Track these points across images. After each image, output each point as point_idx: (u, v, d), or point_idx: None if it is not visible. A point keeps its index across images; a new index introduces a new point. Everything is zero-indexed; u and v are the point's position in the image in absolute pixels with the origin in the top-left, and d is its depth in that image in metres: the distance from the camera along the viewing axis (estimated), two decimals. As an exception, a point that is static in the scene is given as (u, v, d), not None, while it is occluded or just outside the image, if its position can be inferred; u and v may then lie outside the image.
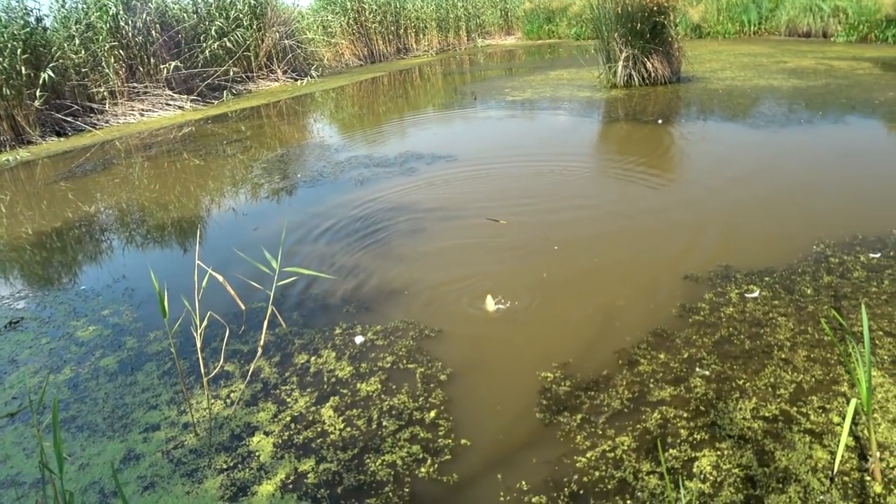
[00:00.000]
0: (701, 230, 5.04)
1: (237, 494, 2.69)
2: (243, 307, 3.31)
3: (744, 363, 3.23)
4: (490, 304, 3.92)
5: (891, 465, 2.46)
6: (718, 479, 2.50)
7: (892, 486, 2.37)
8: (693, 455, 2.64)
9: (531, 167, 7.37)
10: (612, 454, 2.69)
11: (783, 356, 3.25)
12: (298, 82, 19.21)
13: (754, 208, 5.44)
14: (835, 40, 17.97)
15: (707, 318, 3.68)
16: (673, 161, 7.71)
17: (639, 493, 2.47)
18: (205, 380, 3.09)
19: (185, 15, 17.02)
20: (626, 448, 2.72)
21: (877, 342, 3.26)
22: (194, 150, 10.69)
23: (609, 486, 2.52)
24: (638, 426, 2.85)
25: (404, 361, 3.54)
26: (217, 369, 3.55)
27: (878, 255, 4.24)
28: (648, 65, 12.23)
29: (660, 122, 9.32)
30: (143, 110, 14.87)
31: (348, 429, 3.03)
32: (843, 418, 2.73)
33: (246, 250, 4.43)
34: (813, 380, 3.04)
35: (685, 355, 3.35)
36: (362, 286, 4.53)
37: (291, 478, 2.76)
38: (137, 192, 8.37)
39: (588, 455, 2.70)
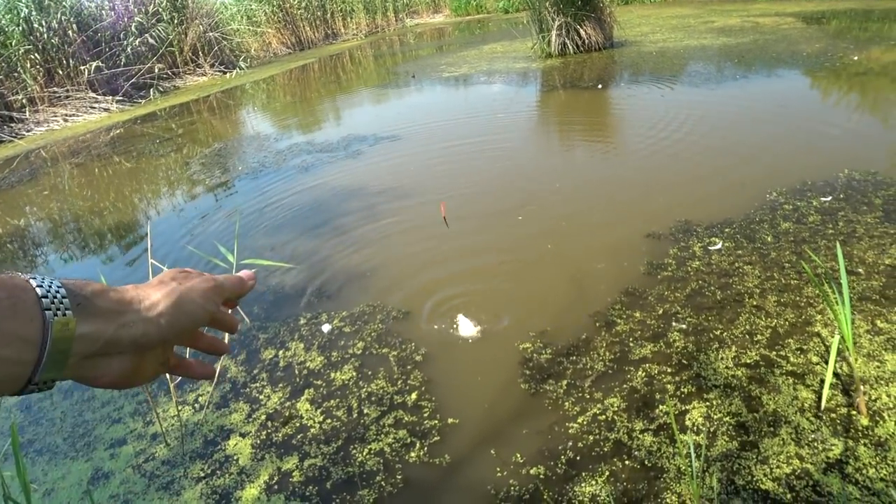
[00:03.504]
0: (655, 189, 5.05)
1: (220, 502, 2.55)
2: None
3: (718, 314, 3.24)
4: (465, 325, 3.46)
5: (873, 397, 2.49)
6: (711, 430, 2.49)
7: (878, 418, 2.39)
8: (683, 408, 2.62)
9: (475, 142, 7.28)
10: (604, 417, 2.66)
11: (755, 303, 3.27)
12: (227, 75, 18.65)
13: (703, 164, 5.49)
14: (756, -5, 18.38)
15: (675, 274, 3.68)
16: (616, 124, 7.74)
17: (636, 453, 2.44)
18: (171, 384, 2.92)
19: (102, 13, 16.27)
20: (616, 409, 2.69)
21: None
22: (125, 152, 10.24)
23: (605, 449, 2.49)
24: (625, 386, 2.82)
25: (376, 346, 3.44)
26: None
27: (828, 199, 4.32)
28: (582, 32, 12.26)
29: (599, 87, 9.36)
30: (66, 115, 14.19)
31: (328, 421, 2.92)
32: (822, 358, 2.76)
33: (197, 247, 4.24)
34: (787, 323, 3.07)
35: (660, 311, 3.34)
36: (322, 274, 4.38)
37: (276, 478, 2.63)
38: (69, 200, 7.96)
39: (579, 420, 2.66)
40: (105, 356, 0.48)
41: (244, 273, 0.66)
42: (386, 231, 4.97)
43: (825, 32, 11.56)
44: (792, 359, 2.80)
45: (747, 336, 3.02)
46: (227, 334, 3.12)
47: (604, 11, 12.53)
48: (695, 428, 2.51)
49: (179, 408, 3.16)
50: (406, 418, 2.84)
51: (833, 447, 2.30)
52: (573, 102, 8.79)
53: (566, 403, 2.77)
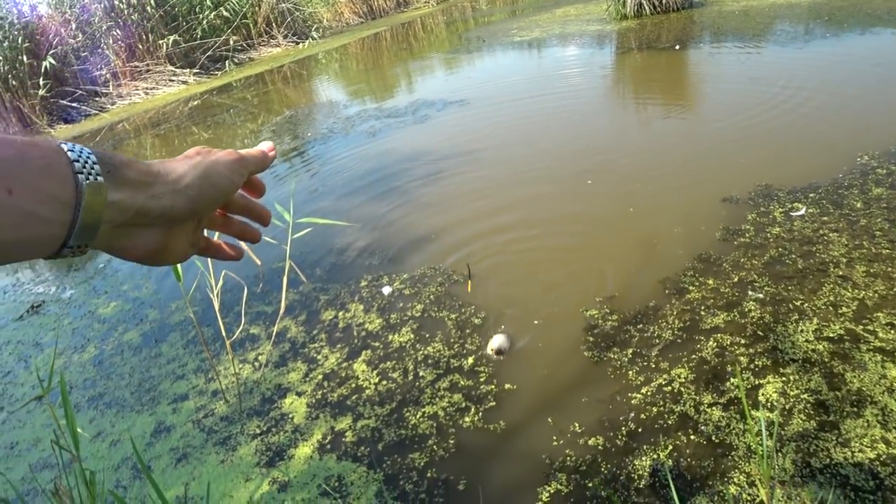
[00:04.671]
0: (734, 152, 4.75)
1: (274, 459, 2.56)
2: (259, 262, 3.13)
3: (799, 283, 3.01)
4: (497, 343, 2.98)
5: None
6: (787, 407, 2.31)
7: (979, 399, 2.17)
8: (756, 383, 2.45)
9: (546, 106, 7.06)
10: (669, 388, 2.51)
11: (840, 273, 3.02)
12: (300, 45, 18.81)
13: (788, 125, 5.13)
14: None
15: (753, 240, 3.45)
16: (694, 85, 7.35)
17: (703, 427, 2.30)
18: (227, 343, 2.94)
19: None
20: (683, 380, 2.54)
21: (942, 249, 3.02)
22: (202, 122, 10.49)
23: (669, 422, 2.35)
24: (693, 356, 2.66)
25: (435, 309, 3.37)
26: (240, 332, 3.42)
27: (929, 162, 3.96)
28: (660, -9, 11.70)
29: (677, 47, 8.92)
30: (147, 89, 14.66)
31: (384, 382, 2.88)
32: (916, 331, 2.52)
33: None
34: (876, 296, 2.82)
35: (735, 279, 3.13)
36: (384, 237, 4.34)
37: (329, 437, 2.62)
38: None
39: (643, 391, 2.52)
40: (136, 227, 0.49)
41: (264, 145, 0.63)
42: (451, 195, 4.88)
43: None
44: (881, 334, 2.57)
45: (831, 308, 2.79)
46: (284, 292, 3.12)
47: (684, -32, 11.90)
48: (768, 404, 2.34)
49: (239, 366, 3.20)
50: (462, 382, 2.78)
51: None
52: (649, 64, 8.42)
53: (630, 373, 2.64)
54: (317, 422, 2.72)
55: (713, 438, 2.24)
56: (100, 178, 0.44)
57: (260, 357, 3.26)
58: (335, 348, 3.22)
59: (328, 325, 3.44)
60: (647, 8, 11.86)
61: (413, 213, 4.66)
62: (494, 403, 2.63)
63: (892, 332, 2.56)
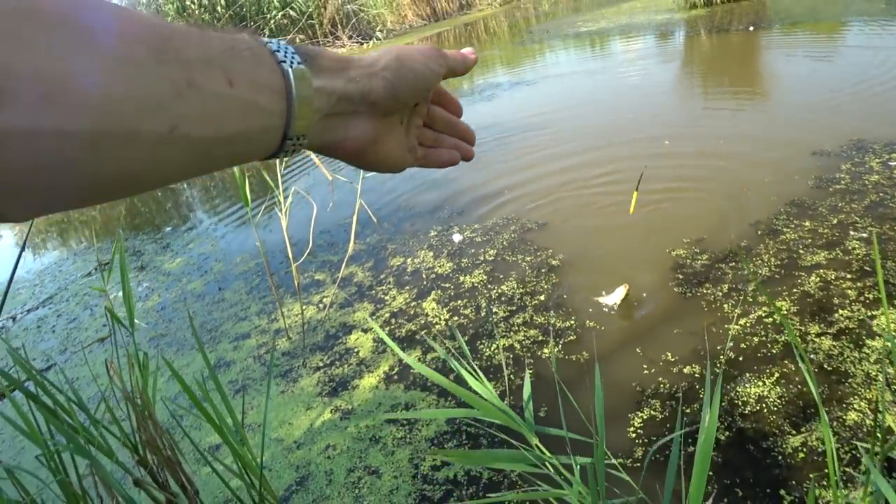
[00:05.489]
0: (819, 110, 4.46)
1: (337, 389, 2.44)
2: (331, 178, 3.02)
3: (907, 223, 2.74)
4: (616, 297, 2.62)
5: None
6: (910, 333, 2.06)
7: None
8: (869, 314, 2.20)
9: (617, 82, 6.83)
10: (770, 319, 2.29)
11: (953, 212, 2.74)
12: (364, 45, 18.96)
13: (876, 82, 4.79)
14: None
15: (850, 186, 3.17)
16: (772, 62, 7.01)
17: (812, 356, 2.06)
18: (295, 276, 2.82)
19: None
20: (785, 312, 2.31)
21: None
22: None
23: (773, 351, 2.13)
24: (795, 290, 2.42)
25: (509, 252, 3.21)
26: (306, 278, 3.32)
27: None
28: (730, -22, 11.30)
29: (751, 28, 8.56)
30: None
31: (455, 318, 2.73)
32: None
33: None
34: None
35: (834, 221, 2.87)
36: (455, 194, 4.20)
37: (396, 369, 2.48)
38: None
39: (742, 322, 2.31)
40: (342, 116, 0.48)
41: (466, 49, 0.60)
42: (527, 155, 4.71)
43: None
44: None
45: (949, 243, 2.52)
46: (353, 225, 3.02)
47: (756, -45, 11.47)
48: (885, 334, 2.08)
49: (304, 307, 3.09)
50: (538, 319, 2.60)
51: None
52: (722, 43, 8.09)
53: (725, 306, 2.42)
54: (383, 355, 2.59)
55: (825, 366, 2.01)
56: (301, 66, 0.43)
57: (325, 300, 3.15)
58: (403, 290, 3.09)
59: (396, 269, 3.31)
60: (716, -5, 11.47)
61: (483, 173, 4.51)
62: (574, 337, 2.45)
63: None
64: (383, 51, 0.51)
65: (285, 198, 2.62)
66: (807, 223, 2.90)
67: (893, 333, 2.05)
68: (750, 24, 8.88)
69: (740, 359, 2.13)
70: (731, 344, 2.21)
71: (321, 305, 3.10)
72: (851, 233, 2.75)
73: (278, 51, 0.43)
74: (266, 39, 0.44)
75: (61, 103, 0.28)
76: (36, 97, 0.27)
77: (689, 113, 5.14)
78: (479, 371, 1.24)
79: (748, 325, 2.29)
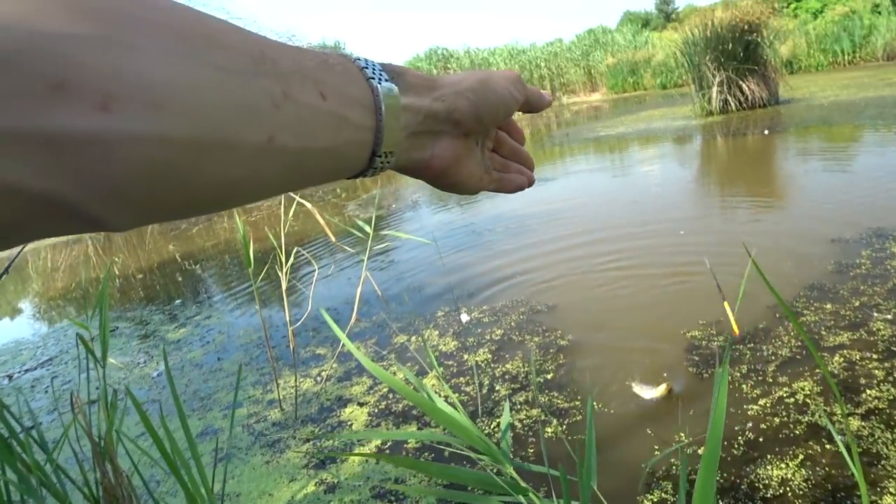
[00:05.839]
0: (840, 205, 4.41)
1: (324, 461, 2.28)
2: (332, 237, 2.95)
3: (936, 306, 2.61)
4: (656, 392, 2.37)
5: None
6: (946, 414, 1.90)
7: None
8: (899, 394, 2.05)
9: (634, 181, 6.89)
10: (792, 399, 2.13)
11: (984, 296, 2.62)
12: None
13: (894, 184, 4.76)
14: (943, 58, 16.80)
15: (871, 271, 3.07)
16: (789, 160, 7.05)
17: (839, 437, 1.89)
18: (291, 343, 2.72)
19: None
20: (808, 392, 2.16)
21: None
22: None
23: (797, 432, 1.96)
24: (818, 371, 2.28)
25: (517, 332, 3.09)
26: (306, 351, 3.21)
27: None
28: (744, 87, 11.59)
29: (766, 132, 8.69)
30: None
31: (456, 394, 2.59)
32: None
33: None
34: None
35: (856, 304, 2.75)
36: (466, 277, 4.14)
37: (388, 444, 2.33)
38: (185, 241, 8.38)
39: (761, 402, 2.15)
40: (428, 135, 0.49)
41: (543, 91, 0.60)
42: (535, 241, 4.67)
43: None
44: None
45: (982, 326, 2.38)
46: (358, 294, 2.92)
47: (768, 66, 11.81)
48: (918, 413, 1.93)
49: (301, 379, 2.97)
50: (542, 398, 2.45)
51: None
52: (738, 146, 8.19)
53: (744, 386, 2.27)
54: (377, 430, 2.43)
55: (856, 447, 1.84)
56: (390, 83, 0.44)
57: (323, 373, 3.03)
58: (404, 366, 2.95)
59: (399, 347, 3.20)
60: (732, 104, 11.75)
61: (497, 255, 4.47)
62: (580, 418, 2.29)
63: None
64: (467, 72, 0.52)
65: (299, 275, 2.56)
66: (828, 305, 2.78)
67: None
68: (765, 128, 9.03)
69: (760, 440, 1.97)
70: (751, 424, 2.05)
71: (319, 378, 2.97)
72: (875, 314, 2.63)
73: (366, 67, 0.44)
74: (354, 56, 0.45)
75: (167, 110, 0.28)
76: (142, 104, 0.27)
77: (704, 207, 5.12)
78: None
79: (768, 405, 2.13)
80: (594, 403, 2.34)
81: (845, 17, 20.85)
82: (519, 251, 4.49)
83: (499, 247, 4.72)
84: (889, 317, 2.58)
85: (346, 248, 3.20)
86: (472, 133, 0.53)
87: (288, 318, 2.66)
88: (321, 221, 2.55)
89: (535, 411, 2.37)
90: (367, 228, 2.84)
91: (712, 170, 7.21)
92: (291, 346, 2.71)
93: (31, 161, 0.25)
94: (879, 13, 20.15)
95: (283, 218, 2.77)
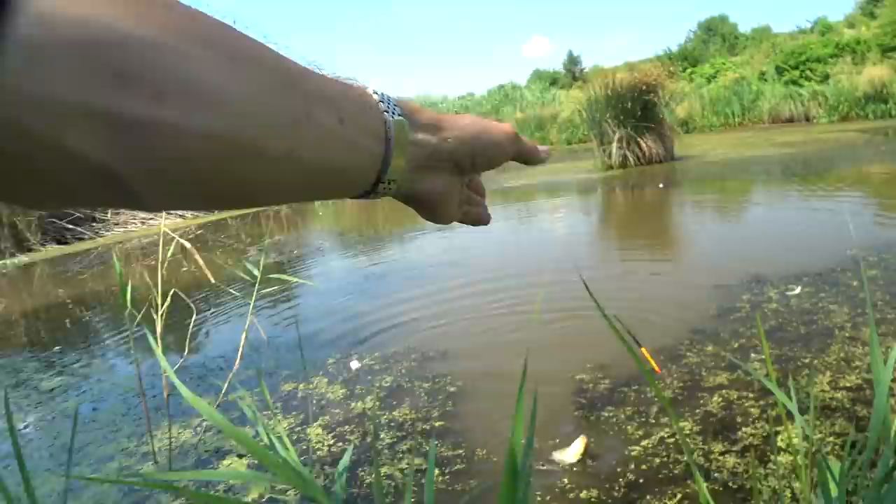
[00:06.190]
0: (725, 253, 4.65)
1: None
2: (212, 280, 2.84)
3: (805, 345, 2.76)
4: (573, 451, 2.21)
5: None
6: (814, 450, 1.96)
7: None
8: (773, 430, 2.11)
9: (538, 228, 7.04)
10: (673, 440, 2.16)
11: (847, 335, 2.79)
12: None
13: (774, 234, 5.07)
14: (817, 122, 18.27)
15: (750, 314, 3.23)
16: (680, 212, 7.40)
17: (717, 475, 1.93)
18: (164, 377, 2.57)
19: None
20: (688, 432, 2.19)
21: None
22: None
23: (675, 471, 1.99)
24: (698, 410, 2.34)
25: (406, 380, 3.03)
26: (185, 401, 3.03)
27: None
28: (642, 144, 12.20)
29: (661, 186, 9.13)
30: (144, 218, 14.71)
31: (339, 444, 2.50)
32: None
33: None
34: (889, 350, 2.54)
35: (735, 345, 2.87)
36: (361, 324, 4.06)
37: (266, 497, 2.21)
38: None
39: (644, 443, 2.17)
40: (429, 170, 0.53)
41: (542, 147, 0.64)
42: (433, 290, 4.66)
43: (890, 140, 11.27)
44: (906, 381, 2.28)
45: (843, 363, 2.52)
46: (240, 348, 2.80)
47: (664, 125, 12.50)
48: (790, 449, 1.99)
49: (180, 430, 2.80)
50: (426, 446, 2.39)
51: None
52: (636, 198, 8.56)
53: (628, 427, 2.30)
54: (257, 482, 2.30)
55: (730, 484, 1.88)
56: (401, 118, 0.48)
57: (204, 422, 2.86)
58: (289, 414, 2.85)
59: (286, 394, 3.08)
60: (631, 159, 12.31)
61: (393, 303, 4.42)
62: (463, 466, 2.24)
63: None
64: (472, 119, 0.56)
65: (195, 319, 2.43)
66: (709, 347, 2.88)
67: (798, 448, 1.95)
68: (661, 182, 9.48)
69: (641, 481, 1.97)
70: (633, 466, 2.06)
71: (198, 429, 2.81)
72: (752, 355, 2.74)
73: (382, 101, 0.47)
74: (372, 90, 0.48)
75: (210, 110, 0.33)
76: (190, 101, 0.31)
77: (600, 255, 5.29)
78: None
79: (650, 446, 2.15)
80: (479, 451, 2.30)
81: (736, 82, 22.42)
82: (416, 298, 4.46)
83: (396, 293, 4.69)
84: (764, 357, 2.69)
85: (232, 291, 3.08)
86: (465, 173, 0.57)
87: (164, 365, 2.51)
88: (200, 262, 2.45)
89: (418, 459, 2.31)
90: (256, 272, 2.76)
91: (610, 221, 7.48)
92: (165, 395, 2.55)
93: (96, 134, 0.29)
94: (766, 80, 21.76)
95: (160, 256, 2.65)
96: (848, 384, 2.34)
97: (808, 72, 20.91)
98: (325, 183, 0.44)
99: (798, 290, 3.46)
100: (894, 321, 2.88)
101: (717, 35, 30.35)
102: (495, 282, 4.57)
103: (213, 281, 2.66)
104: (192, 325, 2.93)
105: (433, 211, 0.58)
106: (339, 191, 0.47)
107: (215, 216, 15.03)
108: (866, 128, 14.37)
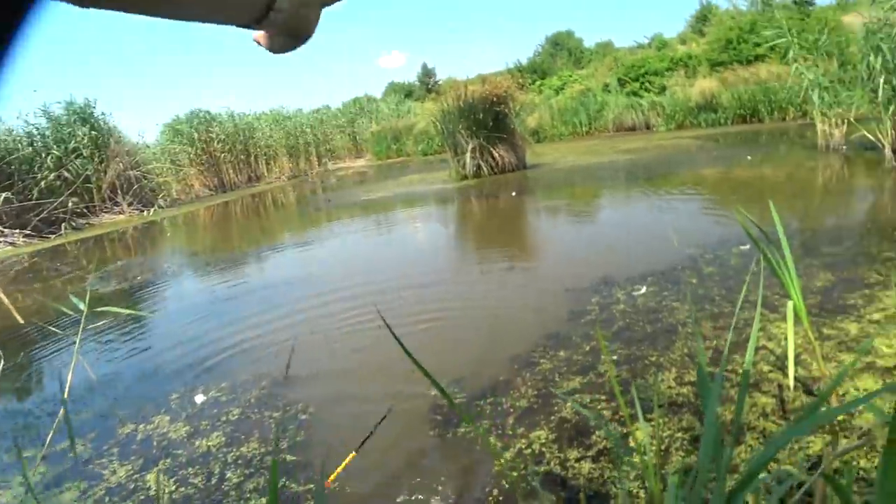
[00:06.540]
0: (575, 257, 4.80)
1: None
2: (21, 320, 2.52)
3: (651, 343, 2.86)
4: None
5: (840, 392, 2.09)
6: (662, 447, 2.01)
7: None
8: (625, 431, 2.14)
9: (387, 237, 6.98)
10: (530, 450, 2.14)
11: (689, 331, 2.92)
12: (145, 212, 18.06)
13: (621, 236, 5.31)
14: (656, 130, 19.59)
15: (599, 317, 3.32)
16: (533, 219, 7.62)
17: (573, 482, 1.92)
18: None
19: (18, 145, 15.76)
20: (543, 441, 2.18)
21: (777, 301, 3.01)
22: (23, 288, 9.41)
23: (534, 483, 1.95)
24: (552, 418, 2.33)
25: (255, 410, 2.84)
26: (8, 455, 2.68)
27: (747, 247, 4.13)
28: (495, 154, 12.49)
29: (514, 193, 9.38)
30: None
31: (182, 488, 2.27)
32: (773, 367, 2.40)
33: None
34: (728, 343, 2.67)
35: (587, 348, 2.92)
36: (207, 354, 3.77)
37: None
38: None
39: (505, 456, 2.13)
40: (313, 5, 0.55)
41: None
42: (283, 310, 4.44)
43: (720, 146, 12.30)
44: (740, 371, 2.41)
45: (687, 359, 2.62)
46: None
47: (516, 135, 12.88)
48: (642, 448, 2.01)
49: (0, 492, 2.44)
50: (279, 481, 2.23)
51: (810, 444, 1.86)
52: (490, 207, 8.72)
53: (490, 440, 2.25)
54: (85, 543, 2.04)
55: (587, 490, 1.87)
56: None
57: (30, 479, 2.52)
58: (127, 461, 2.56)
59: (124, 438, 2.78)
60: (485, 169, 12.56)
61: (242, 327, 4.16)
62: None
63: (752, 367, 2.40)
64: None
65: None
66: (562, 352, 2.92)
67: (650, 447, 1.98)
68: (514, 190, 9.73)
69: (502, 498, 1.93)
70: (493, 481, 2.01)
71: (23, 488, 2.47)
72: (602, 357, 2.79)
73: None
74: None
75: None
76: None
77: (456, 267, 5.29)
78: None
79: (509, 458, 2.11)
80: (332, 486, 2.17)
81: (582, 94, 23.61)
82: (269, 320, 4.23)
83: (247, 315, 4.44)
84: (615, 357, 2.75)
85: (55, 330, 2.74)
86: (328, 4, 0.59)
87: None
88: (5, 301, 2.14)
89: (264, 500, 2.14)
90: (81, 306, 2.48)
91: (466, 229, 7.56)
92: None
93: None
94: (609, 92, 23.06)
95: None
96: (692, 379, 2.43)
97: (647, 84, 22.40)
98: (223, 5, 0.46)
99: (644, 289, 3.61)
100: (731, 314, 3.03)
101: (563, 49, 31.83)
102: (352, 298, 4.45)
103: (21, 322, 2.34)
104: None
105: (306, 39, 0.60)
106: (233, 12, 0.48)
107: (51, 242, 13.80)
108: (699, 135, 15.57)
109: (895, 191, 5.98)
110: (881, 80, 7.00)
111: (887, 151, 7.27)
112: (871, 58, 7.18)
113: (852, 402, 1.75)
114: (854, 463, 1.74)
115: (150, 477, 2.40)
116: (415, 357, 2.60)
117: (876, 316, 2.74)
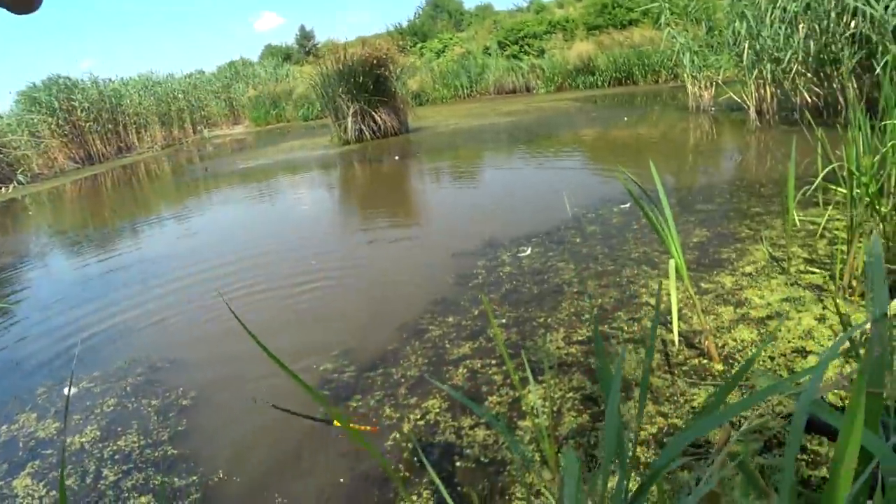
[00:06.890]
0: (460, 221, 4.79)
1: None
2: None
3: (538, 305, 2.89)
4: None
5: (720, 344, 2.19)
6: (555, 409, 2.03)
7: (731, 361, 2.09)
8: (517, 395, 2.16)
9: (273, 209, 6.74)
10: (424, 421, 2.11)
11: (575, 290, 2.98)
12: (2, 190, 16.52)
13: (504, 197, 5.36)
14: (537, 92, 19.96)
15: (486, 279, 3.33)
16: (416, 182, 7.58)
17: (468, 451, 1.91)
18: None
19: None
20: (437, 410, 2.16)
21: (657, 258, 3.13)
22: None
23: (434, 454, 1.93)
24: (444, 385, 2.30)
25: (132, 399, 2.65)
26: None
27: (627, 206, 4.28)
28: (377, 117, 12.29)
29: (397, 157, 9.30)
30: None
31: (54, 492, 2.09)
32: (653, 323, 2.47)
33: None
34: (612, 300, 2.78)
35: (475, 313, 2.93)
36: (78, 341, 3.49)
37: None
38: None
39: (400, 429, 2.09)
40: None
41: None
42: (161, 283, 4.18)
43: (598, 107, 12.70)
44: (626, 328, 2.49)
45: (574, 318, 2.67)
46: None
47: (398, 98, 12.72)
48: (535, 412, 2.03)
49: None
50: (156, 480, 2.08)
51: (695, 397, 1.94)
52: (374, 171, 8.59)
53: (382, 414, 2.20)
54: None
55: (482, 459, 1.86)
56: None
57: None
58: (-13, 466, 2.33)
59: (-20, 442, 2.52)
60: (367, 133, 12.34)
61: (112, 308, 3.88)
62: (198, 496, 1.98)
63: (636, 324, 2.50)
64: None
65: None
66: (450, 318, 2.90)
67: (542, 410, 2.00)
68: (397, 154, 9.64)
69: (399, 467, 1.89)
70: (388, 456, 1.96)
71: None
72: (490, 321, 2.79)
73: None
74: None
75: None
76: None
77: (339, 233, 5.19)
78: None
79: (404, 432, 2.08)
80: (216, 476, 2.06)
81: (463, 56, 23.63)
82: (144, 301, 3.95)
83: (120, 296, 4.13)
84: (503, 321, 2.77)
85: None
86: None
87: None
88: None
89: (144, 498, 2.00)
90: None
91: (349, 194, 7.43)
92: None
93: None
94: (489, 55, 23.21)
95: None
96: (580, 338, 2.48)
97: (526, 47, 22.71)
98: None
99: (529, 251, 3.65)
100: (613, 272, 3.12)
101: (444, 11, 31.69)
102: (220, 267, 4.28)
103: None
104: None
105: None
106: None
107: None
108: (578, 97, 15.99)
109: (760, 149, 6.37)
110: (745, 45, 7.47)
111: (752, 112, 7.84)
112: (737, 24, 7.66)
113: (751, 398, 1.82)
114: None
115: (17, 483, 2.19)
116: (299, 330, 2.49)
117: (748, 269, 2.90)
